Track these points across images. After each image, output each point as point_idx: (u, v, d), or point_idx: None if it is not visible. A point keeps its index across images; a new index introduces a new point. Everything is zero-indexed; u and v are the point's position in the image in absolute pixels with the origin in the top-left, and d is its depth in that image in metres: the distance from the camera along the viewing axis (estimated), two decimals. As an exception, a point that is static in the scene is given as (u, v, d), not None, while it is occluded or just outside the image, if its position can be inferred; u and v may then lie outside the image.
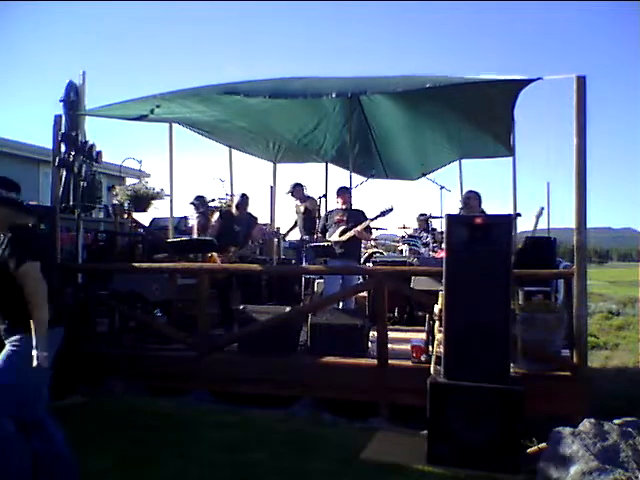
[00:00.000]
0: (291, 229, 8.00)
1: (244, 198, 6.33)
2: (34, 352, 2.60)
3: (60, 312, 2.91)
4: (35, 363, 2.59)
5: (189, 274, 5.84)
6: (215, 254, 5.94)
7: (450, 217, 3.79)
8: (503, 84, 4.25)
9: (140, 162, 7.97)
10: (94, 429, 3.90)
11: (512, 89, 4.29)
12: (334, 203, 6.38)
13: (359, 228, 5.66)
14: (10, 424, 2.63)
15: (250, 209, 6.38)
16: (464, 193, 5.92)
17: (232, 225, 6.11)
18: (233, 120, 6.29)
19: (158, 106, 5.14)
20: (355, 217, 5.88)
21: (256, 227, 6.44)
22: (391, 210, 5.70)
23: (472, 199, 5.64)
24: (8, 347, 2.71)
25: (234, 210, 6.29)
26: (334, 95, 4.46)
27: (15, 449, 2.63)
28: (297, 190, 7.40)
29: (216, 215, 6.45)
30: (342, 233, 5.80)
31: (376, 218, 5.79)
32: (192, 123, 6.40)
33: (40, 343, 2.62)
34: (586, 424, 3.22)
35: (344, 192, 6.19)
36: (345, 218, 5.90)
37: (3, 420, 2.61)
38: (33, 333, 2.62)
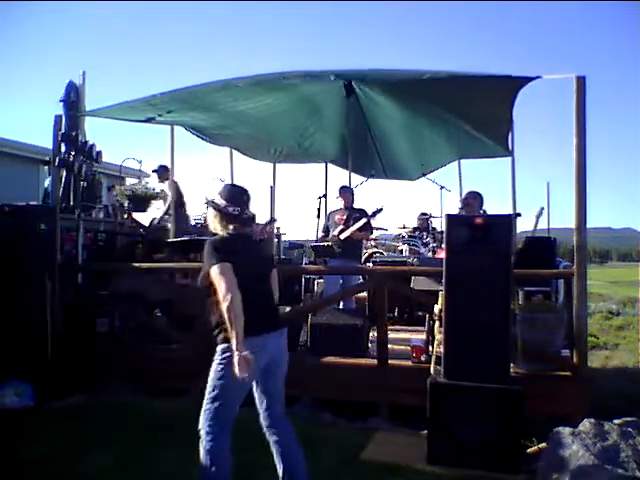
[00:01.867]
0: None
1: None
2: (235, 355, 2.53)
3: (263, 317, 2.79)
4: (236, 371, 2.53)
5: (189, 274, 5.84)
6: None
7: (450, 217, 3.80)
8: (502, 81, 4.25)
9: (140, 162, 7.97)
10: (94, 429, 3.91)
11: (511, 87, 4.29)
12: (334, 203, 6.38)
13: (352, 229, 5.65)
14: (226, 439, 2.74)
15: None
16: (465, 193, 5.92)
17: None
18: (235, 126, 6.29)
19: (160, 115, 5.16)
20: (355, 216, 5.88)
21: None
22: (381, 210, 5.73)
23: (472, 199, 5.63)
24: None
25: None
26: (332, 78, 4.47)
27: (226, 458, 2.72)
28: (162, 173, 7.04)
29: None
30: (339, 233, 5.81)
31: (368, 219, 5.78)
32: (194, 127, 6.40)
33: (237, 346, 2.54)
34: (586, 424, 3.21)
35: (345, 192, 6.17)
36: (345, 217, 5.90)
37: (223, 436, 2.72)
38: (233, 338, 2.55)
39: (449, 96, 4.83)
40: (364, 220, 5.73)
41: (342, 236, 5.72)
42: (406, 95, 5.31)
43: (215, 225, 2.88)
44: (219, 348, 2.74)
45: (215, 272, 2.61)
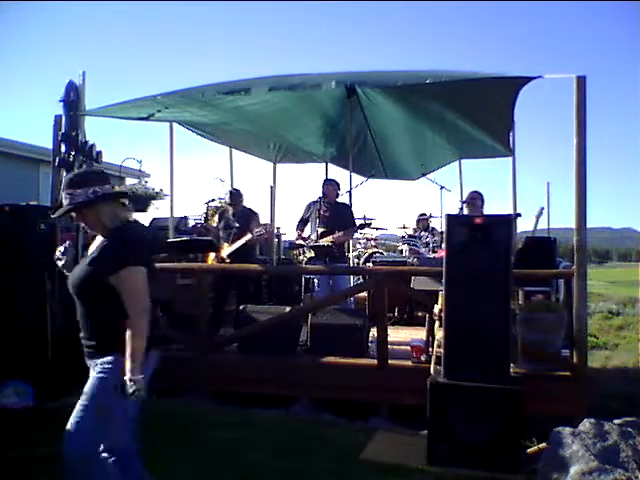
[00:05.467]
0: None
1: (235, 192, 6.32)
2: (127, 376, 2.16)
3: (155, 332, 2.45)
4: (129, 390, 2.15)
5: (189, 274, 5.84)
6: (212, 254, 5.93)
7: (450, 217, 3.80)
8: (503, 81, 4.25)
9: (140, 162, 7.98)
10: (94, 429, 3.90)
11: (512, 87, 4.29)
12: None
13: (335, 239, 5.57)
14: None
15: (249, 206, 6.35)
16: (469, 193, 5.91)
17: (229, 221, 6.10)
18: (234, 123, 6.29)
19: (159, 111, 5.15)
20: (339, 213, 5.82)
21: (255, 221, 6.36)
22: (369, 225, 5.70)
23: (476, 199, 5.63)
24: (95, 372, 2.33)
25: (230, 206, 6.27)
26: (333, 85, 4.46)
27: None
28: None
29: (216, 217, 6.46)
30: (321, 235, 5.70)
31: (354, 231, 5.75)
32: (193, 124, 6.40)
33: (136, 365, 2.18)
34: (586, 424, 3.22)
35: (330, 184, 5.99)
36: (328, 215, 5.80)
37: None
38: (127, 354, 2.18)
39: (450, 96, 4.83)
40: (346, 231, 5.65)
41: (323, 241, 5.61)
42: (407, 95, 5.32)
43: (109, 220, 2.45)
44: (105, 359, 2.34)
45: (130, 275, 2.32)
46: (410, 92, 5.04)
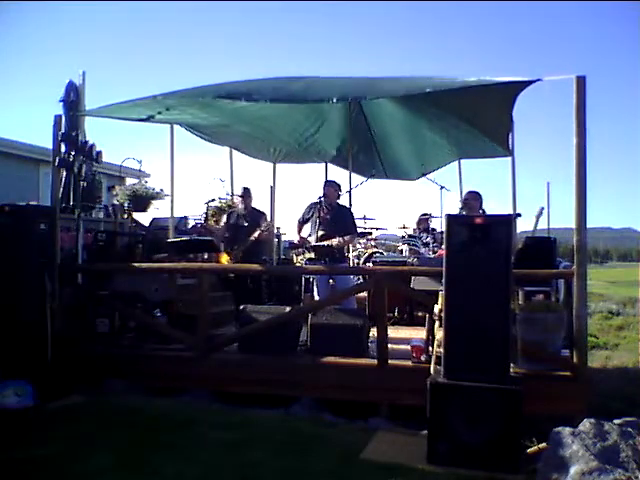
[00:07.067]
0: None
1: (247, 189, 6.31)
2: None
3: None
4: None
5: (189, 274, 5.84)
6: (225, 255, 5.95)
7: (450, 217, 3.79)
8: (503, 86, 4.25)
9: (140, 162, 8.01)
10: (94, 429, 3.91)
11: (511, 91, 4.29)
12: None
13: (335, 242, 5.55)
14: None
15: (253, 205, 6.35)
16: (465, 193, 5.91)
17: (238, 221, 6.11)
18: (234, 125, 6.29)
19: (160, 113, 5.15)
20: (339, 216, 5.80)
21: (263, 219, 6.30)
22: (370, 234, 5.67)
23: (473, 200, 5.63)
24: None
25: (239, 203, 6.26)
26: (335, 100, 4.45)
27: None
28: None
29: (224, 217, 6.47)
30: (321, 238, 5.67)
31: (355, 237, 5.75)
32: (193, 126, 6.41)
33: None
34: (586, 424, 3.21)
35: (330, 186, 5.93)
36: (328, 217, 5.77)
37: None
38: None
39: (450, 100, 4.83)
40: (349, 237, 5.67)
41: (324, 243, 5.58)
42: (407, 100, 5.32)
43: None
44: None
45: None
46: (411, 98, 5.04)
